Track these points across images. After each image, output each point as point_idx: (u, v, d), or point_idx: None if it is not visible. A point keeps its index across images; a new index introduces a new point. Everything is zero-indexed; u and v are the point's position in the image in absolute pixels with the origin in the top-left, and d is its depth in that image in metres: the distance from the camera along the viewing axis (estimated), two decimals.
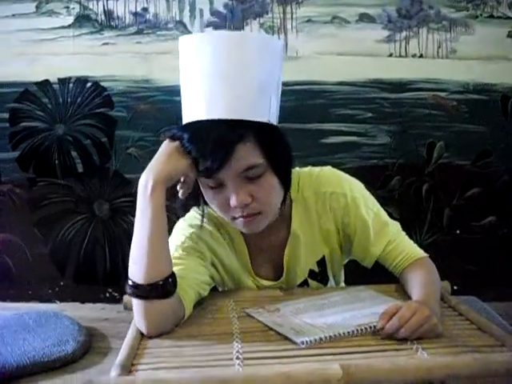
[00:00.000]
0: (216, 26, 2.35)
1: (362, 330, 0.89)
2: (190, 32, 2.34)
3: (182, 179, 1.04)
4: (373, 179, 2.31)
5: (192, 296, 1.02)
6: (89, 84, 2.37)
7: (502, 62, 2.36)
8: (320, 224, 1.17)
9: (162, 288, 0.94)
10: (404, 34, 2.37)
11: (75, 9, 2.37)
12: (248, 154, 0.98)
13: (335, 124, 2.38)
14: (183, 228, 1.16)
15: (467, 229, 2.45)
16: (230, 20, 2.37)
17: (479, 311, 1.04)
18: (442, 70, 2.37)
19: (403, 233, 1.20)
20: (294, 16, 2.36)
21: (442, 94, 2.38)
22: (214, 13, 2.37)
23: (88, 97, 2.38)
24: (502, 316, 1.70)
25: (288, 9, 2.35)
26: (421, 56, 2.38)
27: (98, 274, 2.45)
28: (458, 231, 2.46)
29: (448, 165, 2.41)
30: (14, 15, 2.36)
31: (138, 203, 0.98)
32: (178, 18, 2.37)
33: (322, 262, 1.21)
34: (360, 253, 1.19)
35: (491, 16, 2.37)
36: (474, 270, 2.45)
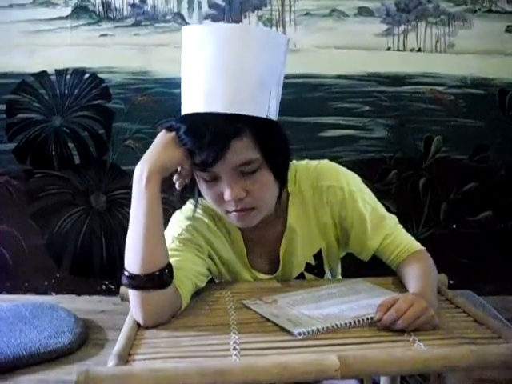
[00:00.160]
0: (214, 19, 2.35)
1: (359, 321, 0.89)
2: (188, 24, 2.33)
3: (178, 170, 1.03)
4: (370, 173, 2.31)
5: (189, 287, 1.02)
6: (86, 75, 2.37)
7: (499, 57, 2.36)
8: (317, 217, 1.17)
9: (158, 278, 0.93)
10: (402, 27, 2.37)
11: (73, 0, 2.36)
12: (244, 149, 0.97)
13: (333, 117, 2.38)
14: (180, 220, 1.16)
15: (464, 223, 2.46)
16: (228, 12, 2.36)
17: (475, 305, 1.05)
18: (440, 64, 2.38)
19: (400, 226, 1.20)
20: (293, 9, 2.35)
21: (440, 89, 2.38)
22: (212, 5, 2.36)
23: (85, 88, 2.37)
24: (498, 310, 1.71)
25: (286, 1, 2.35)
26: (419, 50, 2.38)
27: (94, 266, 2.45)
28: (454, 225, 2.46)
29: (445, 159, 2.41)
30: (11, 5, 2.35)
31: (134, 193, 0.97)
32: (176, 10, 2.36)
33: (318, 256, 1.21)
34: (357, 246, 1.19)
35: (489, 10, 2.37)
36: (470, 265, 2.46)
